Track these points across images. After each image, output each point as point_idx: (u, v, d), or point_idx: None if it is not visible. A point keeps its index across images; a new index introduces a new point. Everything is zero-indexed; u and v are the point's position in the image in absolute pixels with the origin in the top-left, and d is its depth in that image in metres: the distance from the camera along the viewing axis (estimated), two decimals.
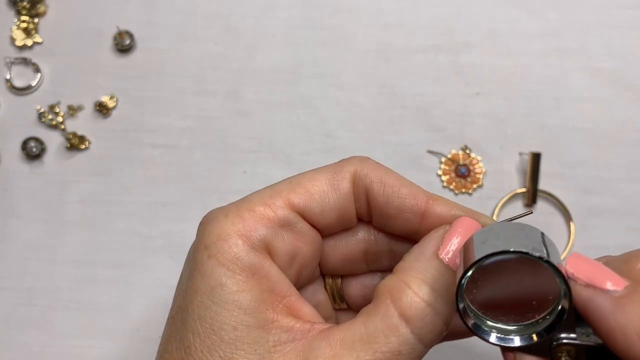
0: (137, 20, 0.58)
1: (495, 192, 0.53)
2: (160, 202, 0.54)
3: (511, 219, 0.33)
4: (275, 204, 0.32)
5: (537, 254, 0.25)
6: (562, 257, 0.51)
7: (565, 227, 0.52)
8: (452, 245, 0.30)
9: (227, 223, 0.31)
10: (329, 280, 0.36)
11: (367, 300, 0.35)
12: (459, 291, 0.27)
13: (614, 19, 0.56)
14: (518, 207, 0.53)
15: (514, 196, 0.53)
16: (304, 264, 0.33)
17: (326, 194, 0.32)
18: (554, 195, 0.53)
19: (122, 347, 0.52)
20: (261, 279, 0.30)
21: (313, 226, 0.33)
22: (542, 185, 0.53)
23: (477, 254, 0.26)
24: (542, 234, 0.27)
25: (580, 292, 0.26)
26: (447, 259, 0.30)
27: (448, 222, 0.32)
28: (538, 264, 0.26)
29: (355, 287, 0.36)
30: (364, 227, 0.35)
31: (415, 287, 0.29)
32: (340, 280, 0.36)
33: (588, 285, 0.26)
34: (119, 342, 0.52)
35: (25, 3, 0.58)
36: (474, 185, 0.53)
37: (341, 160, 0.34)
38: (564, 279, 0.26)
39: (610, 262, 0.27)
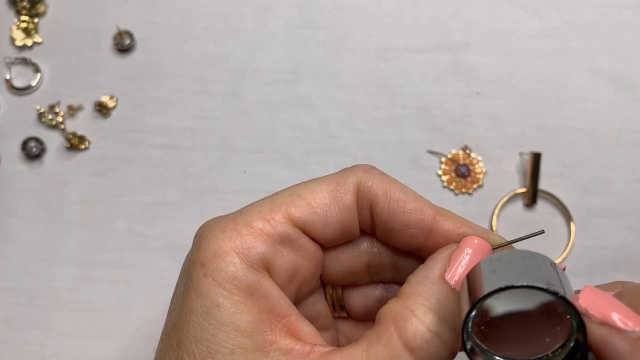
0: (137, 20, 0.58)
1: (496, 192, 0.53)
2: (160, 202, 0.54)
3: (522, 238, 0.31)
4: (274, 219, 0.30)
5: (553, 289, 0.24)
6: (562, 257, 0.52)
7: (566, 227, 0.52)
8: (460, 267, 0.29)
9: (224, 239, 0.29)
10: (330, 290, 0.35)
11: (368, 311, 0.35)
12: (465, 328, 0.25)
13: (614, 18, 0.56)
14: (518, 207, 0.53)
15: (514, 196, 0.53)
16: (304, 280, 0.32)
17: (328, 207, 0.31)
18: (554, 195, 0.53)
19: (122, 347, 0.52)
20: (259, 299, 0.29)
21: (314, 240, 0.32)
22: (542, 185, 0.53)
23: (487, 286, 0.24)
24: (554, 265, 0.26)
25: (595, 331, 0.24)
26: (453, 282, 0.28)
27: (456, 240, 0.30)
28: (550, 298, 0.25)
29: (356, 298, 0.35)
30: (367, 239, 0.33)
31: (420, 315, 0.28)
32: (341, 290, 0.35)
33: (603, 324, 0.24)
34: (119, 342, 0.52)
35: (25, 3, 0.58)
36: (474, 185, 0.53)
37: (344, 170, 0.32)
38: (579, 317, 0.24)
39: (626, 295, 0.26)
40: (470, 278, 0.26)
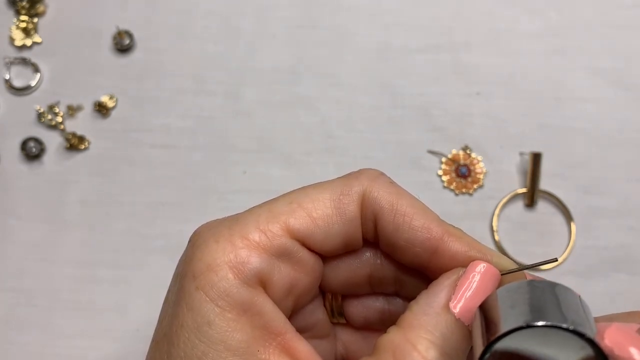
0: (137, 20, 0.57)
1: (496, 192, 0.53)
2: (160, 202, 0.54)
3: (534, 265, 0.29)
4: (271, 231, 0.28)
5: (579, 330, 0.23)
6: (562, 257, 0.52)
7: (566, 227, 0.52)
8: (466, 295, 0.27)
9: (217, 251, 0.28)
10: (329, 297, 0.33)
11: (368, 321, 0.33)
12: None
13: (615, 18, 0.56)
14: (519, 207, 0.53)
15: (515, 196, 0.53)
16: (302, 293, 0.30)
17: (330, 219, 0.29)
18: (554, 195, 0.53)
19: (122, 347, 0.52)
20: (253, 316, 0.27)
21: (314, 251, 0.30)
22: (543, 185, 0.53)
23: (505, 324, 0.23)
24: (577, 297, 0.24)
25: None
26: (457, 311, 0.27)
27: (463, 264, 0.28)
28: (573, 336, 0.23)
29: (356, 307, 0.33)
30: (370, 249, 0.32)
31: (422, 350, 0.26)
32: (340, 297, 0.34)
33: None
34: (119, 342, 0.52)
35: (24, 3, 0.58)
36: (475, 186, 0.53)
37: (349, 176, 0.31)
38: (605, 358, 0.23)
39: None
40: (486, 310, 0.25)
